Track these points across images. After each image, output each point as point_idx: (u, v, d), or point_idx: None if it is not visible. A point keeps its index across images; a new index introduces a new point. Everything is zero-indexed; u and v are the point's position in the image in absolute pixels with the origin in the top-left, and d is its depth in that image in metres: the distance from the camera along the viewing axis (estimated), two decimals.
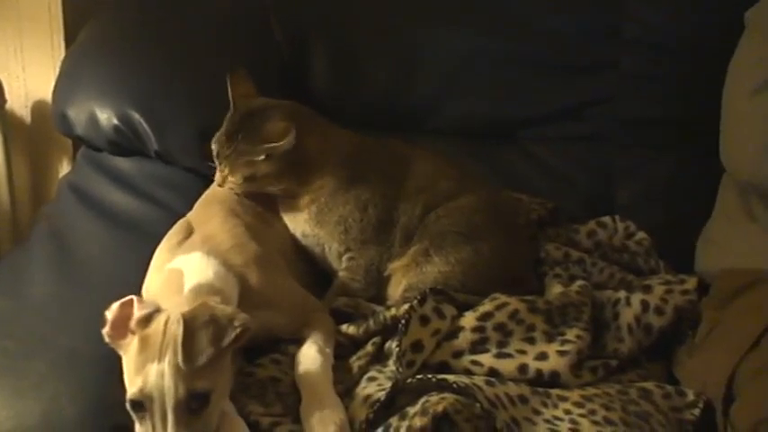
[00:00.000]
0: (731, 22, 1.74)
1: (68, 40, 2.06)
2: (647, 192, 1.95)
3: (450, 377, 1.33)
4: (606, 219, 1.83)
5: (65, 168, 2.14)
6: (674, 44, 1.92)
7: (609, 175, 1.97)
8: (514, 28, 1.96)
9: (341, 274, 1.61)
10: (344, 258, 1.61)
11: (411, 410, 1.26)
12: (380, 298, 1.60)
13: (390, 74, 1.97)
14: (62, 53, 2.06)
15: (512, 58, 1.96)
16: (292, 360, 1.41)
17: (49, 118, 2.06)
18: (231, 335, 1.23)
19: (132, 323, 1.25)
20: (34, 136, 2.15)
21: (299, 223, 1.63)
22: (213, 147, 1.59)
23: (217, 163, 1.59)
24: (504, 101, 1.97)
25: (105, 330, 1.26)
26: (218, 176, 1.60)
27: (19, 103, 2.12)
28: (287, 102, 1.64)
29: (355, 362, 1.43)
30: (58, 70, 1.99)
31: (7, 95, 2.09)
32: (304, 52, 1.98)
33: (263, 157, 1.55)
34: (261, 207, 1.63)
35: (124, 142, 1.82)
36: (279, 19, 1.97)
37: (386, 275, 1.60)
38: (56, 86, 1.90)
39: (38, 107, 2.13)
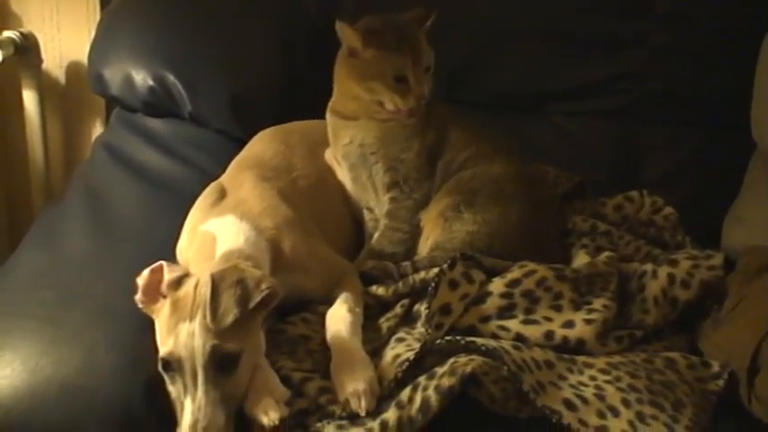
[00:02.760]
0: None
1: (103, 2, 2.09)
2: (675, 167, 1.96)
3: (479, 340, 1.35)
4: (634, 193, 1.83)
5: (97, 129, 2.18)
6: (704, 19, 1.91)
7: (637, 149, 1.97)
8: (544, 1, 1.96)
9: (383, 223, 1.63)
10: (388, 197, 1.62)
11: (439, 371, 1.29)
12: (410, 254, 1.62)
13: None
14: (97, 15, 2.11)
15: (541, 31, 1.96)
16: (322, 319, 1.43)
17: (84, 79, 2.09)
18: (257, 297, 1.25)
19: (163, 287, 1.29)
20: (68, 96, 2.19)
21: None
22: (410, 69, 1.55)
23: (421, 87, 1.57)
24: (532, 74, 1.98)
25: (137, 297, 1.30)
26: (419, 92, 1.57)
27: (54, 64, 2.16)
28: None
29: (384, 323, 1.45)
30: (92, 32, 2.02)
31: (43, 56, 2.11)
32: (332, 19, 1.99)
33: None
34: (296, 173, 1.64)
35: (158, 103, 1.85)
36: None
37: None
38: (92, 47, 1.92)
39: (72, 68, 2.16)
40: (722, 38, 1.92)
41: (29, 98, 2.10)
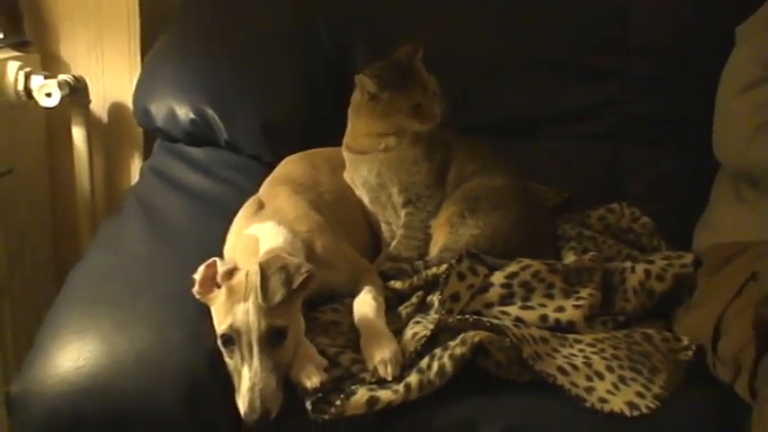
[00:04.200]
0: (724, 36, 1.99)
1: (144, 49, 2.33)
2: (653, 184, 2.17)
3: (485, 318, 1.58)
4: (614, 205, 2.06)
5: (137, 161, 2.39)
6: (676, 52, 2.15)
7: (620, 168, 2.19)
8: (539, 34, 2.20)
9: (400, 233, 1.86)
10: (404, 213, 1.86)
11: (452, 343, 1.51)
12: (422, 256, 1.84)
13: None
14: (138, 60, 2.33)
15: (533, 63, 2.19)
16: (349, 308, 1.66)
17: (125, 117, 2.33)
18: (299, 279, 1.48)
19: (218, 277, 1.51)
20: (111, 132, 2.40)
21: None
22: (422, 97, 1.81)
23: (434, 107, 1.82)
24: (525, 102, 2.20)
25: (195, 289, 1.52)
26: (433, 113, 1.83)
27: (98, 104, 2.38)
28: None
29: (403, 310, 1.68)
30: (133, 75, 2.27)
31: (91, 96, 2.35)
32: (346, 54, 2.21)
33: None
34: (322, 188, 1.88)
35: (198, 133, 2.10)
36: (326, 26, 2.21)
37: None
38: (138, 85, 2.17)
39: (115, 107, 2.38)
40: (692, 69, 2.14)
41: (77, 134, 2.31)
